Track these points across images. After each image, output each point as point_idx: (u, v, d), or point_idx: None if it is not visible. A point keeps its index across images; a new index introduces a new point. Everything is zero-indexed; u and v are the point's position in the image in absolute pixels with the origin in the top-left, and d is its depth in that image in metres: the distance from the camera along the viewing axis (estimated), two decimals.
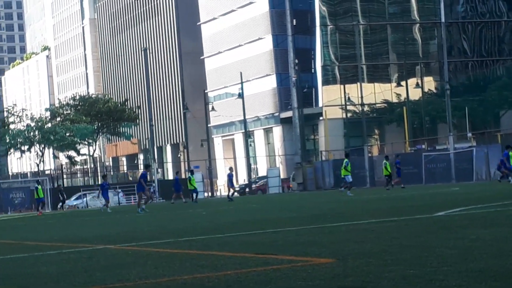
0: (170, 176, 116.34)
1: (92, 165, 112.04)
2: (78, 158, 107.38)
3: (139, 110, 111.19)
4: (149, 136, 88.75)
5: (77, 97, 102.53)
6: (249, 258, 10.39)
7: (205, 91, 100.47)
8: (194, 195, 50.06)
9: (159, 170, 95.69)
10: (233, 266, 9.57)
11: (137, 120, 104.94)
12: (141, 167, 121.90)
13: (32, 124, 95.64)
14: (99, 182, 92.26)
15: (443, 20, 68.22)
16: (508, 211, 16.68)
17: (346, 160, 41.97)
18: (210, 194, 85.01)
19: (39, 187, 52.31)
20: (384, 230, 13.46)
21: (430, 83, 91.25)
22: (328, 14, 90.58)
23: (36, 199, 52.31)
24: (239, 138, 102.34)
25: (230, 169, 53.20)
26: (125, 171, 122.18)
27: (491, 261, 8.33)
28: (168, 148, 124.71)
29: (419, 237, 11.60)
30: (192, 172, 52.04)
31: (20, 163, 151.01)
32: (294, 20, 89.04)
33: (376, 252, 9.83)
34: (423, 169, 58.92)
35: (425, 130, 78.46)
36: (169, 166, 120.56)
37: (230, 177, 50.64)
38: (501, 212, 16.70)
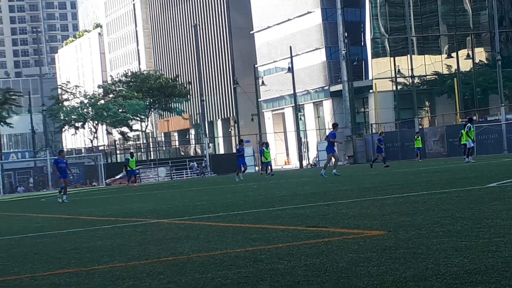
0: (221, 150, 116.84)
1: (145, 141, 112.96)
2: (130, 134, 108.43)
3: (190, 86, 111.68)
4: (200, 111, 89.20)
5: (129, 74, 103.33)
6: (300, 231, 10.47)
7: (255, 66, 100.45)
8: (269, 167, 49.55)
9: (210, 145, 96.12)
10: (285, 239, 9.66)
11: (188, 96, 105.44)
12: (193, 141, 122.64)
13: (86, 101, 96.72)
14: (151, 158, 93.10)
15: None
16: None
17: (469, 125, 40.63)
18: (260, 168, 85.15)
19: (132, 159, 51.76)
20: (435, 202, 13.43)
21: (481, 54, 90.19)
22: None
23: (128, 171, 51.60)
24: (289, 112, 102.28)
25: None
26: (177, 146, 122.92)
27: None
28: (219, 123, 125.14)
29: (471, 208, 11.56)
30: (266, 145, 50.83)
31: (74, 139, 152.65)
32: None
33: (427, 224, 9.84)
34: (475, 140, 58.35)
35: (476, 101, 77.67)
36: (220, 141, 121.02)
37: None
38: None
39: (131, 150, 74.09)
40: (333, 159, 34.16)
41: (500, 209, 11.13)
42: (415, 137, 55.96)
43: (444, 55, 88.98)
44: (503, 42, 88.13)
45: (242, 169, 43.79)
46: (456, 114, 75.06)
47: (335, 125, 36.45)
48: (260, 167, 52.95)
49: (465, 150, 48.58)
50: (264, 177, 44.98)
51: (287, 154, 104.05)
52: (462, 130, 49.94)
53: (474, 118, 70.10)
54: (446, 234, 8.74)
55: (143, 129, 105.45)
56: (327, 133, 42.77)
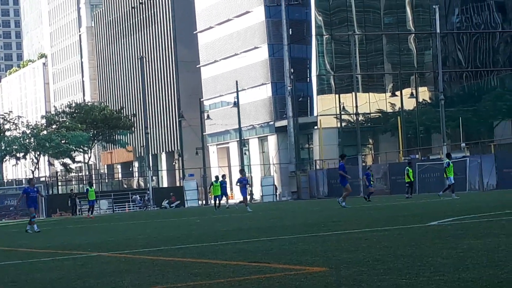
0: (165, 184, 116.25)
1: (87, 173, 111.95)
2: (73, 166, 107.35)
3: (135, 118, 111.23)
4: (144, 144, 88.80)
5: (73, 105, 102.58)
6: (243, 266, 10.43)
7: (201, 100, 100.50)
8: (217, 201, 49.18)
9: (154, 178, 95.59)
10: (227, 274, 9.61)
11: (133, 128, 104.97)
12: (136, 174, 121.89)
13: (28, 131, 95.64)
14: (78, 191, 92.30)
15: (438, 30, 68.41)
16: (500, 221, 16.74)
17: (447, 160, 40.17)
18: (204, 202, 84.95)
19: (91, 189, 51.00)
20: (377, 239, 13.50)
21: (424, 93, 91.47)
22: (324, 24, 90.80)
23: (88, 201, 50.55)
24: (234, 146, 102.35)
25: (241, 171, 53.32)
26: (120, 179, 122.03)
27: (483, 271, 8.38)
28: (163, 156, 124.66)
29: (412, 246, 11.64)
30: (410, 165, 50.96)
31: (15, 170, 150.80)
32: (290, 30, 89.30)
33: (368, 261, 9.88)
34: (416, 178, 58.93)
35: (419, 140, 78.59)
36: (164, 174, 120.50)
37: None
38: (494, 222, 16.76)
39: (90, 180, 73.48)
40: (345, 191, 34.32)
41: (440, 247, 11.22)
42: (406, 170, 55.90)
43: (389, 94, 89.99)
44: (447, 82, 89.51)
45: (245, 198, 42.36)
46: (399, 152, 75.83)
47: (343, 156, 36.38)
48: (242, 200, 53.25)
49: (409, 189, 49.10)
50: (229, 209, 45.24)
51: (231, 189, 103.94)
52: (408, 167, 50.58)
53: (416, 156, 70.90)
54: (387, 271, 8.78)
55: (86, 160, 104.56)
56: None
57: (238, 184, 43.86)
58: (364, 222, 20.28)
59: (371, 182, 47.77)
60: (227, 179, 54.18)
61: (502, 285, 7.34)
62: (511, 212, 20.17)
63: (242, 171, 45.32)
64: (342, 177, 33.64)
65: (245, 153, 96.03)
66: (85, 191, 55.16)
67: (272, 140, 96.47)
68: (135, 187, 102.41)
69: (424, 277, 8.10)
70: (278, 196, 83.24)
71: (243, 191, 42.13)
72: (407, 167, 50.68)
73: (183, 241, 16.80)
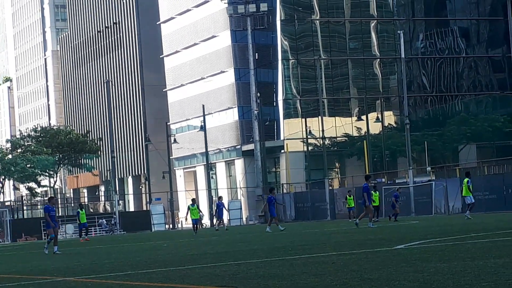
0: (132, 208, 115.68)
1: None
2: (38, 190, 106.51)
3: (101, 142, 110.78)
4: (110, 168, 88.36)
5: (39, 129, 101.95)
6: None
7: (167, 124, 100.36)
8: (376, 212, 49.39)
9: (120, 202, 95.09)
10: None
11: (99, 152, 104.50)
12: (102, 198, 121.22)
13: None
14: (59, 214, 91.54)
15: (403, 55, 69.02)
16: (466, 245, 16.86)
17: (467, 179, 38.97)
18: (171, 226, 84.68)
19: (82, 211, 50.25)
20: (344, 263, 13.54)
21: (390, 118, 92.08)
22: (290, 49, 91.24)
23: (80, 224, 50.09)
24: (200, 170, 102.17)
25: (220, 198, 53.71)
26: (86, 203, 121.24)
27: None
28: (130, 180, 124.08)
29: (379, 270, 11.68)
30: (375, 189, 50.87)
31: None
32: (256, 54, 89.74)
33: (336, 285, 9.90)
34: (383, 202, 59.18)
35: (385, 163, 79.03)
36: (131, 198, 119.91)
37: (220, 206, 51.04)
38: (459, 245, 16.88)
39: (81, 203, 72.76)
40: (367, 212, 34.31)
41: (407, 271, 11.27)
42: (348, 196, 55.94)
43: (354, 118, 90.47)
44: (412, 106, 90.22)
45: (273, 219, 40.56)
46: None
47: (367, 177, 36.40)
48: (217, 222, 53.66)
49: (375, 213, 49.35)
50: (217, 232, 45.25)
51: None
52: (372, 191, 50.83)
53: (383, 180, 71.26)
54: None
55: (52, 185, 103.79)
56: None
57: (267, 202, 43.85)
58: (331, 245, 20.32)
59: (399, 203, 47.60)
60: (221, 202, 54.21)
61: None
62: (476, 236, 20.33)
63: (272, 190, 43.69)
64: (368, 197, 34.03)
65: (212, 177, 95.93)
66: (76, 213, 54.57)
67: (239, 164, 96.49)
68: (101, 211, 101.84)
69: None
70: (245, 220, 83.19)
71: (272, 209, 40.28)
72: (371, 191, 50.94)
73: (149, 266, 16.72)
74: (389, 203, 60.71)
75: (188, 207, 48.05)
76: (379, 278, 10.41)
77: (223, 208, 52.22)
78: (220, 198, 55.65)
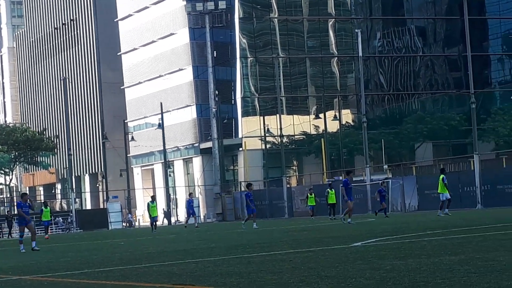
0: (88, 206, 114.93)
1: (8, 195, 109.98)
2: None
3: (58, 140, 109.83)
4: (67, 166, 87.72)
5: None
6: None
7: (125, 121, 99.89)
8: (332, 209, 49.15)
9: (77, 200, 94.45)
10: None
11: (55, 150, 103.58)
12: (59, 196, 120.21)
13: None
14: (15, 212, 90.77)
15: (360, 54, 69.41)
16: (422, 242, 17.01)
17: (443, 176, 38.62)
18: (128, 224, 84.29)
19: (46, 209, 49.72)
20: (302, 261, 13.58)
21: (347, 116, 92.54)
22: (248, 47, 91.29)
23: (44, 222, 49.36)
24: (158, 168, 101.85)
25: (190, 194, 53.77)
26: (42, 201, 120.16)
27: None
28: (87, 177, 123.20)
29: (336, 267, 11.74)
30: (330, 187, 51.47)
31: None
32: (215, 52, 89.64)
33: (293, 283, 9.92)
34: (340, 200, 59.45)
35: (343, 161, 79.41)
36: (87, 196, 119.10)
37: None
38: (415, 243, 17.02)
39: (45, 201, 72.04)
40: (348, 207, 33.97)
41: (364, 268, 11.34)
42: (309, 193, 55.67)
43: (312, 116, 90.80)
44: (369, 105, 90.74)
45: (251, 215, 39.46)
46: (323, 174, 76.49)
47: (348, 172, 36.02)
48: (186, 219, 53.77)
49: (331, 210, 49.64)
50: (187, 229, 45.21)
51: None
52: (328, 189, 51.13)
53: (340, 178, 71.57)
54: None
55: (7, 183, 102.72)
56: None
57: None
58: (289, 243, 20.38)
59: (385, 198, 47.04)
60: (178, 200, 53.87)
61: None
62: (432, 233, 20.52)
63: (249, 185, 42.22)
64: (345, 192, 33.67)
65: (170, 175, 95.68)
66: (39, 211, 54.02)
67: (197, 161, 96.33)
68: (58, 209, 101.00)
69: None
70: (203, 218, 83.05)
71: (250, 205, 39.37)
72: (327, 189, 51.28)
73: (106, 264, 16.63)
74: (344, 201, 61.05)
75: (148, 204, 47.82)
76: (336, 276, 10.46)
77: (193, 205, 52.20)
78: (190, 195, 55.68)
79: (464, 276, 9.39)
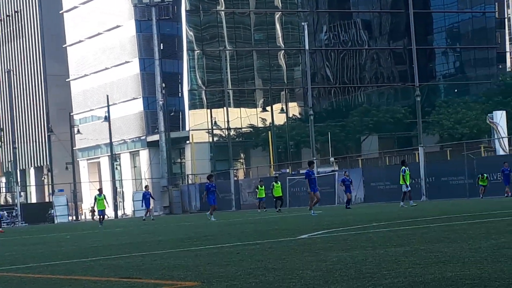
0: (34, 199, 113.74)
1: None
2: None
3: (2, 132, 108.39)
4: (12, 159, 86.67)
5: None
6: (114, 282, 10.33)
7: (71, 114, 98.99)
8: (279, 202, 49.57)
9: (22, 193, 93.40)
10: None
11: (0, 143, 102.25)
12: (3, 190, 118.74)
13: None
14: None
15: (307, 47, 69.69)
16: (367, 234, 17.16)
17: (403, 167, 38.95)
18: (74, 217, 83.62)
19: None
20: (249, 253, 13.61)
21: (294, 109, 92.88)
22: (195, 39, 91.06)
23: None
24: (105, 161, 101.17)
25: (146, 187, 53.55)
26: None
27: (351, 283, 8.56)
28: (32, 171, 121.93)
29: (283, 260, 11.79)
30: (276, 179, 51.77)
31: None
32: (161, 45, 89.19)
33: (240, 275, 9.95)
34: (287, 193, 59.75)
35: (290, 154, 79.72)
36: (33, 190, 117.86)
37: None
38: (361, 234, 17.16)
39: None
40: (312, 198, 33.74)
41: (310, 260, 11.40)
42: (259, 185, 55.31)
43: (259, 109, 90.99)
44: (316, 98, 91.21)
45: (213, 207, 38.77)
46: (270, 167, 76.71)
47: (310, 163, 35.30)
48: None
49: (277, 203, 49.82)
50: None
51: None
52: (274, 183, 51.28)
53: (287, 170, 71.85)
54: (259, 285, 8.87)
55: None
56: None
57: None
58: (236, 236, 20.41)
59: (351, 188, 46.75)
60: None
61: None
62: (378, 225, 20.71)
63: (210, 177, 40.98)
64: (309, 183, 33.41)
65: (116, 168, 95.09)
66: None
67: (144, 154, 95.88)
68: (2, 203, 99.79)
69: None
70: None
71: (210, 197, 38.41)
72: (273, 183, 51.47)
73: (52, 258, 16.49)
74: (293, 193, 61.43)
75: (95, 197, 47.44)
76: (283, 268, 10.51)
77: (150, 198, 51.83)
78: (146, 187, 55.35)
79: (409, 268, 9.50)
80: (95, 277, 11.22)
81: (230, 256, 13.28)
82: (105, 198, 46.71)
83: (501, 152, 56.26)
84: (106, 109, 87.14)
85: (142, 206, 52.83)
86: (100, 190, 49.99)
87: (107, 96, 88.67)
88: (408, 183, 38.55)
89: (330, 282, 8.67)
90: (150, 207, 53.72)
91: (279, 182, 51.57)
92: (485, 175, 46.92)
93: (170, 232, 26.68)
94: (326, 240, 15.95)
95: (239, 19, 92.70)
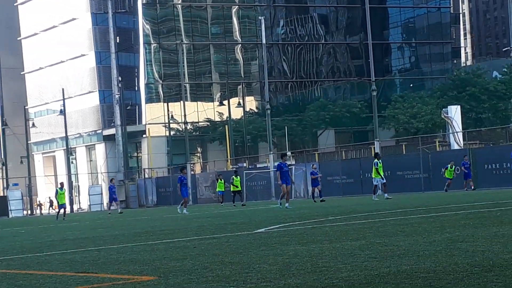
0: None
1: None
2: None
3: None
4: None
5: None
6: (69, 277, 10.27)
7: (26, 107, 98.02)
8: (238, 196, 49.78)
9: None
10: (52, 285, 9.43)
11: None
12: None
13: None
14: None
15: (264, 41, 69.76)
16: (324, 228, 17.23)
17: (375, 160, 38.50)
18: (29, 212, 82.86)
19: None
20: (205, 247, 13.61)
21: (251, 103, 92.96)
22: (152, 33, 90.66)
23: None
24: (60, 155, 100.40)
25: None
26: None
27: (307, 276, 8.60)
28: None
29: (240, 254, 11.80)
30: (236, 173, 51.63)
31: None
32: (118, 38, 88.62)
33: (197, 269, 9.94)
34: (244, 186, 59.76)
35: (246, 148, 79.78)
36: None
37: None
38: (318, 228, 17.24)
39: None
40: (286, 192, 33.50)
41: (267, 254, 11.43)
42: (219, 179, 54.94)
43: (216, 103, 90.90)
44: (273, 92, 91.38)
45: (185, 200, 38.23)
46: (227, 161, 76.69)
47: (282, 155, 34.84)
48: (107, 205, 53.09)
49: (235, 197, 49.90)
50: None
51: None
52: (233, 176, 51.33)
53: (244, 164, 71.90)
54: (215, 279, 8.87)
55: None
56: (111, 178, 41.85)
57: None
58: (193, 230, 20.38)
59: (319, 180, 45.91)
60: (53, 189, 53.17)
61: None
62: (334, 219, 20.82)
63: (183, 169, 41.53)
64: (280, 176, 33.17)
65: (72, 162, 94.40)
66: None
67: (100, 148, 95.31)
68: None
69: (251, 284, 8.24)
70: (106, 205, 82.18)
71: (183, 190, 37.92)
72: (232, 176, 51.49)
73: (6, 252, 16.33)
74: (250, 187, 61.46)
75: (56, 191, 47.04)
76: (240, 262, 10.52)
77: (115, 191, 51.60)
78: (112, 180, 55.05)
79: (365, 261, 9.57)
80: (51, 271, 11.14)
81: (186, 250, 13.26)
82: (110, 189, 46.70)
83: (456, 147, 56.85)
84: (61, 102, 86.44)
85: (110, 200, 52.55)
86: (62, 184, 49.66)
87: (63, 89, 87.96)
88: (382, 176, 38.33)
89: (286, 276, 8.70)
90: (118, 200, 53.47)
91: (238, 176, 51.63)
92: (453, 165, 46.41)
93: (126, 227, 26.57)
94: (283, 234, 16.00)
95: (196, 13, 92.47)
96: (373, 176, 38.54)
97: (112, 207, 52.38)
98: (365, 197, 44.85)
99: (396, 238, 12.76)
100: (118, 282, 9.31)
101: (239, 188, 50.83)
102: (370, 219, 19.38)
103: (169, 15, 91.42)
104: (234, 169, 61.10)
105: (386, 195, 37.97)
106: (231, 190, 50.55)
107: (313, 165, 50.47)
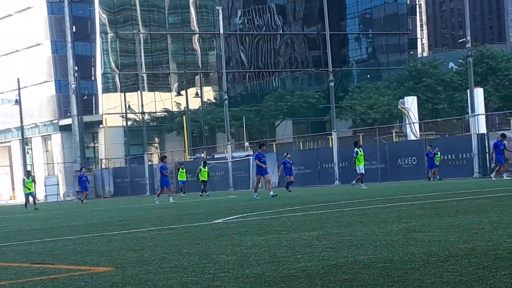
0: None
1: None
2: None
3: None
4: None
5: None
6: (25, 268, 10.18)
7: None
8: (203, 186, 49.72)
9: None
10: (8, 276, 9.34)
11: None
12: None
13: None
14: None
15: (221, 31, 69.64)
16: (282, 218, 17.28)
17: (356, 149, 38.04)
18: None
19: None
20: (163, 238, 13.58)
21: (209, 93, 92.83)
22: (108, 22, 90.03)
23: None
24: (16, 145, 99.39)
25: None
26: None
27: (265, 266, 8.62)
28: None
29: (198, 244, 11.80)
30: (204, 164, 51.44)
31: None
32: (74, 27, 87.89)
33: (154, 260, 9.92)
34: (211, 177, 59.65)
35: (204, 139, 79.68)
36: None
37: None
38: (275, 219, 17.28)
39: None
40: (266, 182, 33.20)
41: (225, 244, 11.44)
42: (180, 168, 54.22)
43: (174, 93, 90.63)
44: (230, 82, 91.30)
45: (165, 190, 37.55)
46: (185, 151, 76.54)
47: (261, 145, 34.28)
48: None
49: (204, 187, 49.82)
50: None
51: (13, 189, 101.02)
52: (201, 167, 51.15)
53: (202, 155, 71.83)
54: (173, 269, 8.85)
55: None
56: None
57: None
58: (150, 221, 20.33)
59: (292, 171, 44.43)
60: (9, 179, 52.62)
61: (284, 280, 7.58)
62: (292, 210, 20.88)
63: (163, 158, 40.03)
64: (257, 167, 33.01)
65: (27, 152, 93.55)
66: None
67: (56, 138, 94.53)
68: None
69: (209, 274, 8.24)
70: (62, 196, 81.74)
71: (164, 179, 37.34)
72: (200, 167, 51.41)
73: None
74: (221, 176, 61.36)
75: (23, 179, 46.51)
76: (198, 252, 10.51)
77: (86, 181, 51.43)
78: (81, 170, 54.85)
79: (323, 251, 9.61)
80: (6, 263, 11.04)
81: (144, 241, 13.22)
82: (33, 180, 45.75)
83: (412, 137, 57.30)
84: (17, 92, 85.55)
85: (78, 188, 52.17)
86: (29, 172, 49.13)
87: (18, 79, 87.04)
88: (362, 165, 38.31)
89: (244, 266, 8.71)
90: (88, 190, 53.23)
91: (206, 167, 51.54)
92: (438, 154, 46.34)
93: (83, 217, 26.41)
94: (240, 225, 16.01)
95: (153, 2, 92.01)
96: (357, 165, 38.37)
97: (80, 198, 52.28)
98: (322, 187, 45.03)
99: (353, 228, 12.83)
100: (74, 273, 9.25)
101: (206, 178, 50.73)
102: (328, 210, 19.48)
103: (126, 4, 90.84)
104: (204, 160, 60.61)
105: (354, 182, 38.42)
106: (200, 179, 50.53)
107: (286, 154, 47.26)
